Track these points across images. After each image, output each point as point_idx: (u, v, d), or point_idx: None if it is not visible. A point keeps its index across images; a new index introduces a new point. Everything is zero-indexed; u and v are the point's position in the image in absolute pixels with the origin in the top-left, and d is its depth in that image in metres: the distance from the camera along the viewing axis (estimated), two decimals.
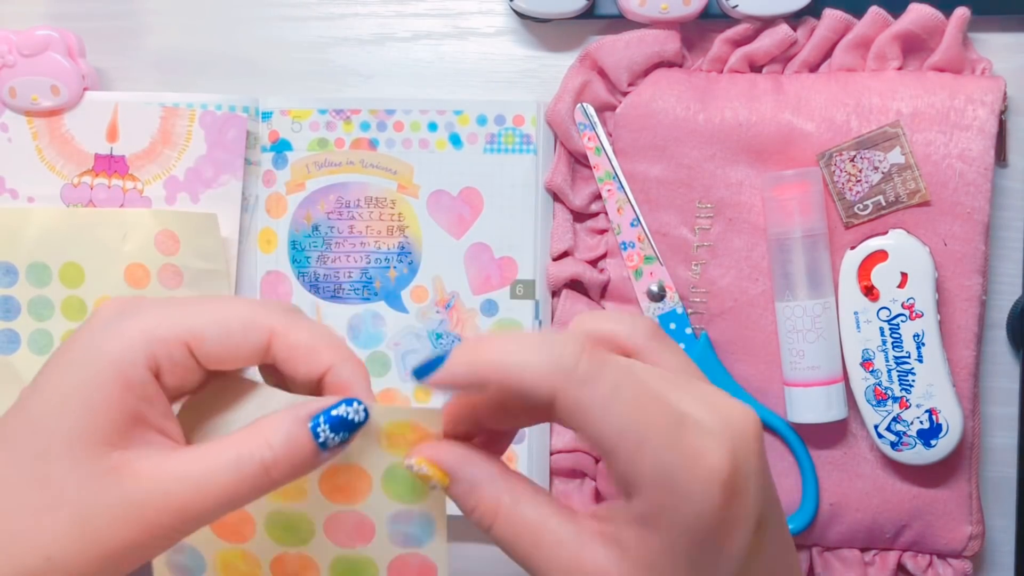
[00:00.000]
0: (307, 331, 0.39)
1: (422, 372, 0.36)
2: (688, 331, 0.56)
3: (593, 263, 0.58)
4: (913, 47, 0.55)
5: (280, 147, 0.58)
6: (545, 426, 0.58)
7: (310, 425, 0.37)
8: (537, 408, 0.34)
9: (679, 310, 0.56)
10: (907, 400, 0.53)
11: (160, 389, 0.37)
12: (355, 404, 0.38)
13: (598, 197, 0.57)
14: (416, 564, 0.43)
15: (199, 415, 0.41)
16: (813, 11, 0.55)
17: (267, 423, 0.37)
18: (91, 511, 0.36)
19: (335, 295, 0.58)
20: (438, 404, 0.41)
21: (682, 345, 0.56)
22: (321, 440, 0.37)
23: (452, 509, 0.39)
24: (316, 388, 0.40)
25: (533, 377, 0.33)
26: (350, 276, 0.58)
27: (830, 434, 0.56)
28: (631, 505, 0.34)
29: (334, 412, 0.37)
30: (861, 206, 0.54)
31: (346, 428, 0.37)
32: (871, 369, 0.53)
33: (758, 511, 0.34)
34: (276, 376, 0.41)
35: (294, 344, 0.39)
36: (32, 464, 0.36)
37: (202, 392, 0.40)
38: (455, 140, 0.57)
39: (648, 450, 0.33)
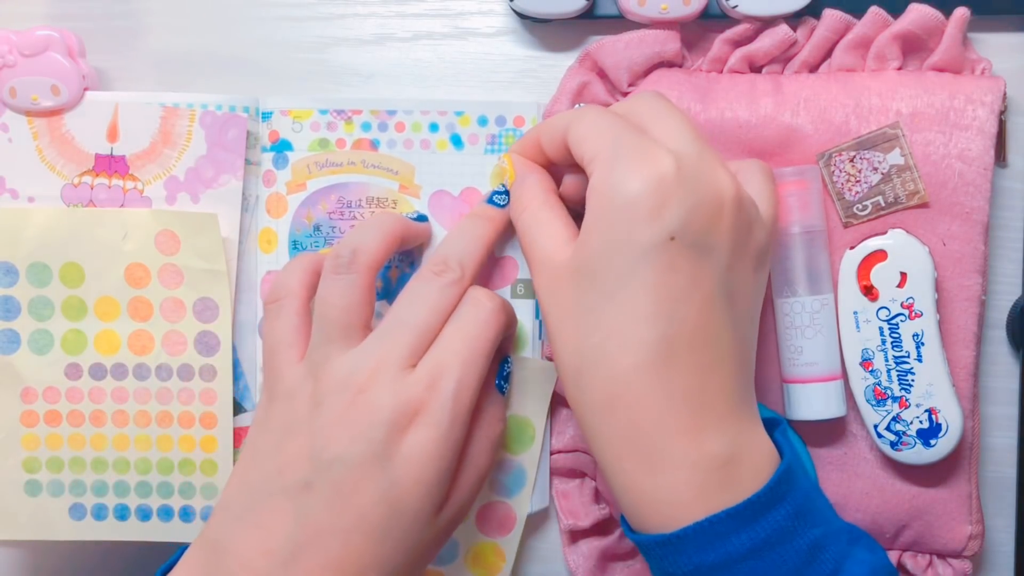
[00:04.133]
0: (511, 308, 0.53)
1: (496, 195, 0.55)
2: None
3: None
4: (913, 47, 0.55)
5: (281, 147, 0.58)
6: (545, 426, 0.58)
7: (496, 385, 0.52)
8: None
9: None
10: (907, 400, 0.53)
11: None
12: (510, 362, 0.54)
13: None
14: (500, 512, 0.56)
15: None
16: (813, 11, 0.55)
17: (488, 407, 0.51)
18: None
19: None
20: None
21: None
22: (504, 392, 0.53)
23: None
24: None
25: (556, 123, 0.51)
26: None
27: (830, 434, 0.56)
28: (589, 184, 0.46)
29: (505, 372, 0.53)
30: (860, 206, 0.54)
31: (508, 380, 0.53)
32: (871, 369, 0.53)
33: (671, 226, 0.43)
34: None
35: (511, 326, 0.53)
36: None
37: None
38: (456, 141, 0.57)
39: (609, 151, 0.45)
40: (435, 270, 0.50)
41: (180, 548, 0.49)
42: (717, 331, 0.45)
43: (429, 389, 0.47)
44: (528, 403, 0.55)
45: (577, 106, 0.56)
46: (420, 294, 0.50)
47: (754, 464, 0.45)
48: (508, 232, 0.55)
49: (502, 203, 0.54)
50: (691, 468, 0.43)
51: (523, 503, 0.53)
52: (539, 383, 0.55)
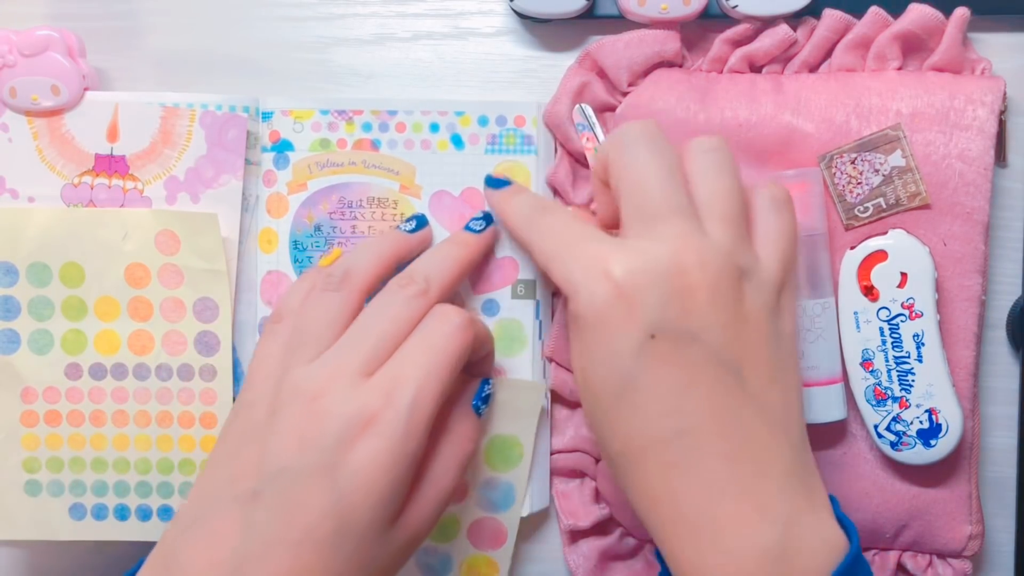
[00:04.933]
0: (483, 329, 0.52)
1: (492, 183, 0.55)
2: None
3: None
4: (913, 47, 0.55)
5: (281, 147, 0.58)
6: (545, 427, 0.58)
7: (474, 410, 0.51)
8: None
9: None
10: (907, 400, 0.53)
11: None
12: (490, 384, 0.53)
13: None
14: (491, 527, 0.55)
15: None
16: (813, 11, 0.55)
17: (456, 426, 0.50)
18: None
19: None
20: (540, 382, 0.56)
21: None
22: (482, 415, 0.52)
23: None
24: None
25: (514, 224, 0.52)
26: None
27: (830, 434, 0.56)
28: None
29: (484, 394, 0.52)
30: (861, 208, 0.54)
31: (487, 401, 0.52)
32: (871, 369, 0.53)
33: (647, 325, 0.43)
34: None
35: (479, 343, 0.51)
36: None
37: None
38: (457, 141, 0.57)
39: (560, 267, 0.46)
40: (400, 283, 0.50)
41: (141, 558, 0.48)
42: (737, 410, 0.43)
43: (384, 399, 0.45)
44: (515, 422, 0.54)
45: (578, 121, 0.56)
46: (382, 305, 0.49)
47: (813, 552, 0.42)
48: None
49: (479, 228, 0.54)
50: (741, 561, 0.41)
51: (514, 518, 0.52)
52: (527, 403, 0.55)
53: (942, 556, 0.57)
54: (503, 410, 0.54)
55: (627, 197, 0.46)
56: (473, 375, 0.53)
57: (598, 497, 0.58)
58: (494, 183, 0.55)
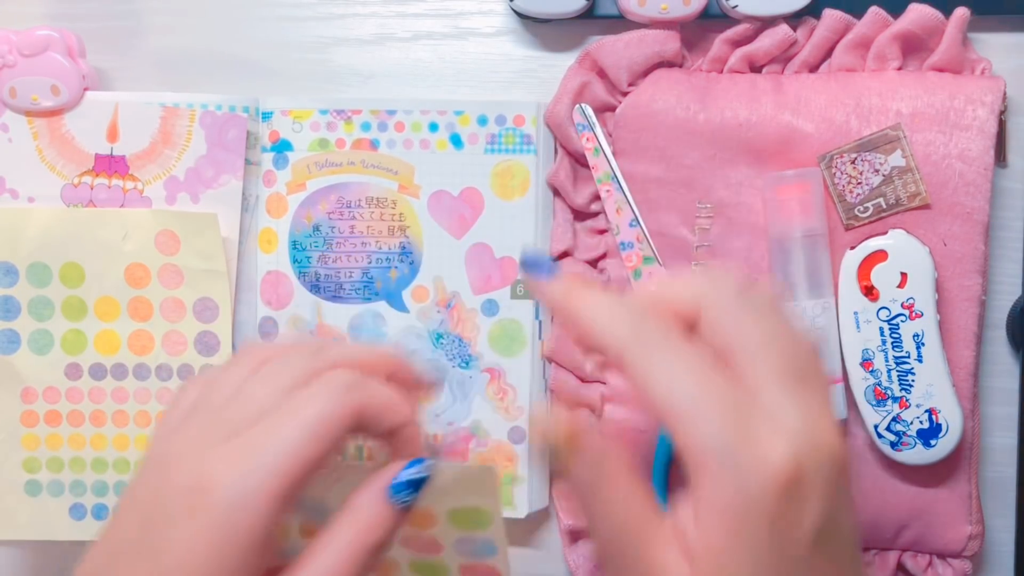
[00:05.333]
0: (384, 397, 0.42)
1: (530, 266, 0.40)
2: None
3: (593, 263, 0.58)
4: (913, 47, 0.55)
5: (281, 147, 0.58)
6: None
7: (389, 493, 0.40)
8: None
9: None
10: (907, 400, 0.53)
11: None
12: (421, 464, 0.41)
13: (599, 197, 0.57)
14: (483, 569, 0.47)
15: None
16: (813, 11, 0.55)
17: (357, 508, 0.40)
18: None
19: (336, 295, 0.58)
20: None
21: None
22: (402, 503, 0.41)
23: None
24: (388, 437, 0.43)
25: (603, 333, 0.36)
26: (351, 276, 0.58)
27: None
28: (692, 491, 0.34)
29: (406, 477, 0.41)
30: (861, 208, 0.54)
31: (417, 487, 0.41)
32: (871, 369, 0.53)
33: (816, 528, 0.34)
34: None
35: (376, 412, 0.41)
36: None
37: None
38: (456, 140, 0.57)
39: (708, 423, 0.33)
40: (297, 348, 0.43)
41: None
42: None
43: (226, 471, 0.38)
44: (471, 497, 0.45)
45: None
46: (269, 369, 0.42)
47: None
48: (508, 232, 0.55)
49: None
50: None
51: (503, 561, 0.48)
52: (481, 488, 0.45)
53: (942, 556, 0.57)
54: (453, 493, 0.44)
55: (762, 356, 0.36)
56: (404, 454, 0.44)
57: None
58: (540, 267, 0.40)
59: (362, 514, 0.41)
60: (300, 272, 0.58)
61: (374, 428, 0.42)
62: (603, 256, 0.58)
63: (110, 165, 0.58)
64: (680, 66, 0.57)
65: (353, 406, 0.40)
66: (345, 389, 0.40)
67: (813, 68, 0.56)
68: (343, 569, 0.39)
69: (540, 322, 0.57)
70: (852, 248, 0.54)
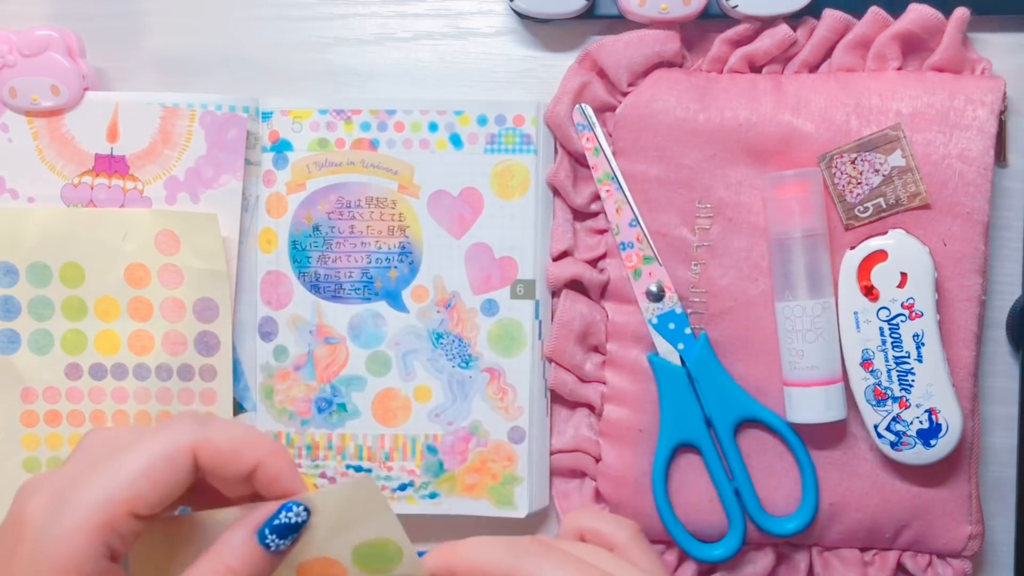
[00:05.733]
0: (227, 434, 0.40)
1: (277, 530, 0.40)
2: (687, 331, 0.56)
3: (593, 263, 0.58)
4: (913, 47, 0.55)
5: (280, 147, 0.58)
6: (545, 426, 0.58)
7: (257, 538, 0.39)
8: None
9: (678, 310, 0.56)
10: (907, 400, 0.53)
11: (112, 566, 0.38)
12: (294, 508, 0.40)
13: (599, 197, 0.57)
14: None
15: (149, 564, 0.42)
16: (813, 11, 0.55)
17: (221, 548, 0.39)
18: None
19: (336, 295, 0.58)
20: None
21: (681, 345, 0.56)
22: (272, 549, 0.40)
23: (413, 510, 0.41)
24: (248, 483, 0.41)
25: (493, 558, 0.39)
26: (351, 276, 0.58)
27: (830, 434, 0.56)
28: None
29: (277, 522, 0.40)
30: (861, 208, 0.54)
31: (291, 531, 0.40)
32: (871, 369, 0.53)
33: None
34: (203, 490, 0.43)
35: (217, 451, 0.40)
36: None
37: (143, 540, 0.41)
38: (455, 140, 0.57)
39: None
40: None
41: None
42: None
43: (36, 506, 0.38)
44: (367, 526, 0.43)
45: None
46: None
47: None
48: (508, 232, 0.55)
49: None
50: None
51: None
52: (365, 503, 0.42)
53: (942, 556, 0.57)
54: (344, 520, 0.42)
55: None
56: (274, 496, 0.42)
57: (598, 497, 0.58)
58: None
59: (229, 554, 0.40)
60: (300, 272, 0.58)
61: (226, 468, 0.40)
62: (603, 256, 0.58)
63: (110, 165, 0.58)
64: (680, 66, 0.57)
65: (191, 443, 0.39)
66: (180, 430, 0.40)
67: (813, 68, 0.56)
68: None
69: (540, 322, 0.57)
70: (852, 248, 0.54)
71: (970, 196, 0.54)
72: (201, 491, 0.43)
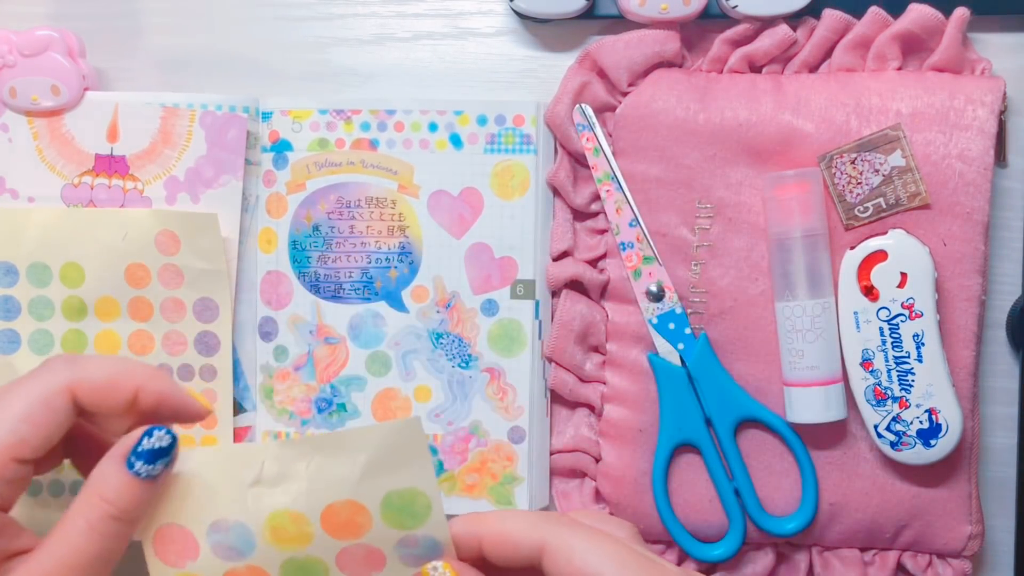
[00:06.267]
0: (101, 368, 0.41)
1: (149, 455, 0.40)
2: (687, 331, 0.56)
3: (593, 263, 0.58)
4: (913, 47, 0.55)
5: (280, 147, 0.58)
6: (545, 426, 0.58)
7: (127, 467, 0.40)
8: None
9: (678, 310, 0.56)
10: (907, 400, 0.53)
11: (3, 515, 0.39)
12: (156, 433, 0.41)
13: (599, 197, 0.57)
14: None
15: None
16: (813, 11, 0.55)
17: (95, 482, 0.40)
18: None
19: (335, 295, 0.58)
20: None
21: (681, 345, 0.56)
22: (143, 475, 0.40)
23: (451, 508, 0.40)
24: (131, 416, 0.42)
25: (522, 527, 0.40)
26: (351, 276, 0.58)
27: (830, 434, 0.56)
28: None
29: (141, 448, 0.40)
30: (861, 208, 0.54)
31: (159, 456, 0.41)
32: (871, 369, 0.53)
33: None
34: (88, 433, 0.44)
35: (94, 386, 0.41)
36: None
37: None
38: (455, 140, 0.57)
39: None
40: None
41: None
42: None
43: None
44: (403, 471, 0.42)
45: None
46: None
47: None
48: (507, 232, 0.55)
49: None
50: None
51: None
52: (408, 446, 0.42)
53: (942, 556, 0.57)
54: (383, 461, 0.42)
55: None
56: (161, 421, 0.43)
57: (598, 497, 0.58)
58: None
59: (102, 485, 0.40)
60: (300, 272, 0.58)
61: (105, 402, 0.41)
62: (603, 256, 0.58)
63: (110, 165, 0.58)
64: (680, 66, 0.57)
65: (67, 382, 0.40)
66: (54, 372, 0.40)
67: (813, 68, 0.56)
68: (83, 541, 0.39)
69: (540, 322, 0.57)
70: (852, 248, 0.54)
71: (970, 196, 0.54)
72: (83, 440, 0.44)
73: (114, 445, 0.41)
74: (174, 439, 0.41)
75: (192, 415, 0.43)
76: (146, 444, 0.40)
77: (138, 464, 0.40)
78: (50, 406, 0.40)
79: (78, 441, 0.44)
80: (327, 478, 0.42)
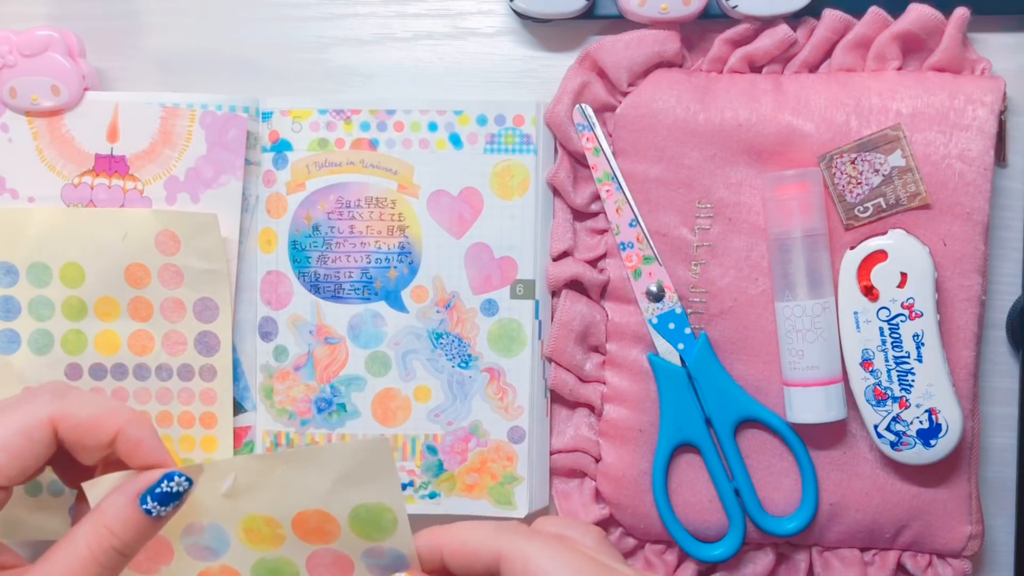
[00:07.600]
0: (86, 405, 0.43)
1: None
2: (687, 331, 0.56)
3: (593, 263, 0.58)
4: (913, 47, 0.55)
5: (280, 147, 0.58)
6: (545, 426, 0.58)
7: (139, 503, 0.42)
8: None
9: (678, 310, 0.56)
10: (907, 400, 0.53)
11: None
12: (176, 479, 0.42)
13: (599, 197, 0.57)
14: None
15: None
16: (813, 11, 0.55)
17: (104, 511, 0.41)
18: None
19: (335, 295, 0.58)
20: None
21: (681, 345, 0.56)
22: (153, 515, 0.42)
23: (413, 509, 0.42)
24: (110, 452, 0.43)
25: (481, 538, 0.42)
26: (350, 276, 0.58)
27: (830, 434, 0.56)
28: None
29: (159, 490, 0.42)
30: (861, 208, 0.54)
31: (172, 499, 0.42)
32: (871, 369, 0.53)
33: None
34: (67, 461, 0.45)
35: (78, 423, 0.42)
36: None
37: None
38: (455, 140, 0.57)
39: None
40: None
41: None
42: None
43: None
44: (370, 488, 0.44)
45: None
46: None
47: None
48: (507, 232, 0.55)
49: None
50: None
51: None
52: (375, 464, 0.44)
53: (942, 556, 0.57)
54: (352, 476, 0.43)
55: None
56: (137, 464, 0.44)
57: (598, 497, 0.58)
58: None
59: (111, 516, 0.41)
60: (299, 272, 0.58)
61: (86, 440, 0.42)
62: (603, 256, 0.58)
63: (110, 165, 0.58)
64: (680, 66, 0.57)
65: (50, 416, 0.41)
66: (39, 404, 0.41)
67: (813, 68, 0.56)
68: (82, 568, 0.40)
69: (540, 322, 0.57)
70: (852, 248, 0.54)
71: (970, 196, 0.54)
72: (61, 458, 0.44)
73: (129, 480, 0.42)
74: (190, 485, 0.43)
75: (160, 467, 0.44)
76: (164, 487, 0.42)
77: (151, 503, 0.42)
78: (30, 437, 0.41)
79: (61, 449, 0.45)
80: (298, 488, 0.44)
